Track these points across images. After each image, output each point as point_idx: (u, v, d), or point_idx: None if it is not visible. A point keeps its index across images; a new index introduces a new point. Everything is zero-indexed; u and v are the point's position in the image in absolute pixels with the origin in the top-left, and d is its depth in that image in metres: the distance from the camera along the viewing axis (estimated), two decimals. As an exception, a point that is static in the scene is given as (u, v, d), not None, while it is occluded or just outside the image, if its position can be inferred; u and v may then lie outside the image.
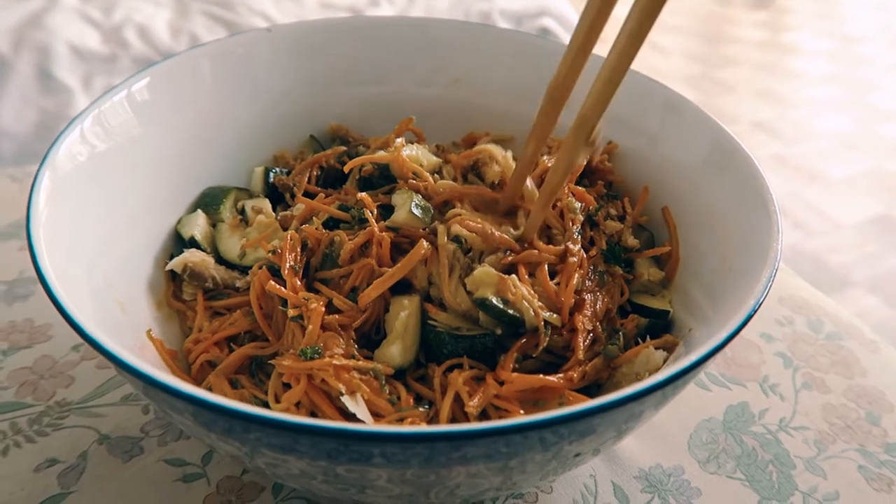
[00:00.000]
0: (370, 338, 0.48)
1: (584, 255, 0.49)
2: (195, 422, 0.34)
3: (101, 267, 0.45)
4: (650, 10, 0.38)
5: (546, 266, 0.48)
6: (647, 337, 0.48)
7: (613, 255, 0.51)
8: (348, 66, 0.64)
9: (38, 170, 0.42)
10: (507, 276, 0.46)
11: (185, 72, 0.55)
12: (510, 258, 0.48)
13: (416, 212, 0.49)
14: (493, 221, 0.51)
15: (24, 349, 0.55)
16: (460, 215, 0.49)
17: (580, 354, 0.45)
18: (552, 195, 0.48)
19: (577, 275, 0.47)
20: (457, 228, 0.48)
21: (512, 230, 0.50)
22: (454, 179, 0.55)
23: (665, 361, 0.45)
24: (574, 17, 2.22)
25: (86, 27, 1.80)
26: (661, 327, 0.50)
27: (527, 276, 0.47)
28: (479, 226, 0.48)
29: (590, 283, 0.49)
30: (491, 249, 0.48)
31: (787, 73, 3.10)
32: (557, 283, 0.47)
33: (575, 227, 0.50)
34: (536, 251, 0.48)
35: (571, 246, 0.49)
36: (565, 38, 2.10)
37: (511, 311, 0.45)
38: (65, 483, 0.46)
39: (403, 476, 0.34)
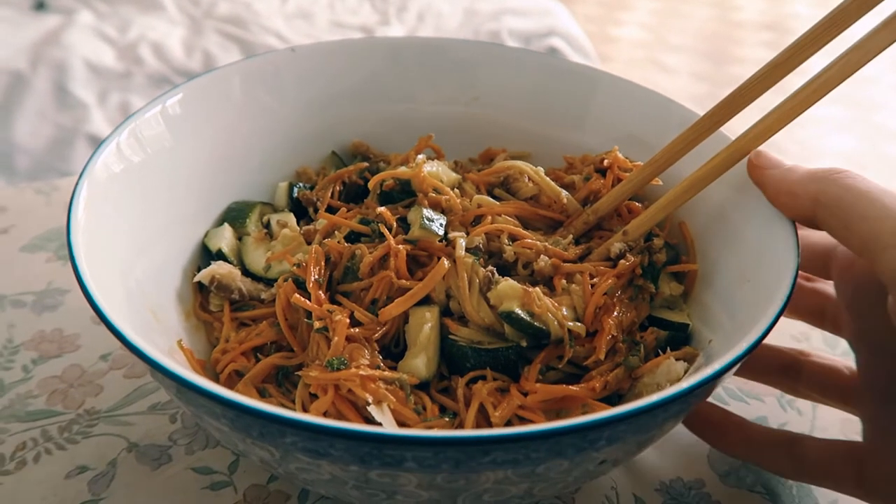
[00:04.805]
0: (390, 350, 0.49)
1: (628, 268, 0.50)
2: (232, 426, 0.34)
3: (134, 276, 0.46)
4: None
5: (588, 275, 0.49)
6: (667, 349, 0.49)
7: (653, 273, 0.52)
8: (369, 85, 0.65)
9: (78, 180, 0.44)
10: (531, 290, 0.47)
11: (217, 88, 0.57)
12: (567, 267, 0.50)
13: (427, 225, 0.50)
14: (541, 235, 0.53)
15: (54, 358, 0.56)
16: (501, 227, 0.52)
17: (601, 354, 0.46)
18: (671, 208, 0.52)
19: (611, 281, 0.49)
20: (515, 251, 0.51)
21: (562, 239, 0.53)
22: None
23: (686, 372, 0.46)
24: (581, 36, 2.24)
25: (101, 44, 1.83)
26: (680, 340, 0.51)
27: (564, 282, 0.49)
28: (531, 239, 0.51)
29: (623, 295, 0.50)
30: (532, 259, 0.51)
31: (794, 93, 3.12)
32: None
33: (638, 243, 0.52)
34: (590, 265, 0.51)
35: (631, 256, 0.51)
36: (573, 57, 2.12)
37: (537, 324, 0.46)
38: (95, 490, 0.47)
39: (433, 481, 0.35)
